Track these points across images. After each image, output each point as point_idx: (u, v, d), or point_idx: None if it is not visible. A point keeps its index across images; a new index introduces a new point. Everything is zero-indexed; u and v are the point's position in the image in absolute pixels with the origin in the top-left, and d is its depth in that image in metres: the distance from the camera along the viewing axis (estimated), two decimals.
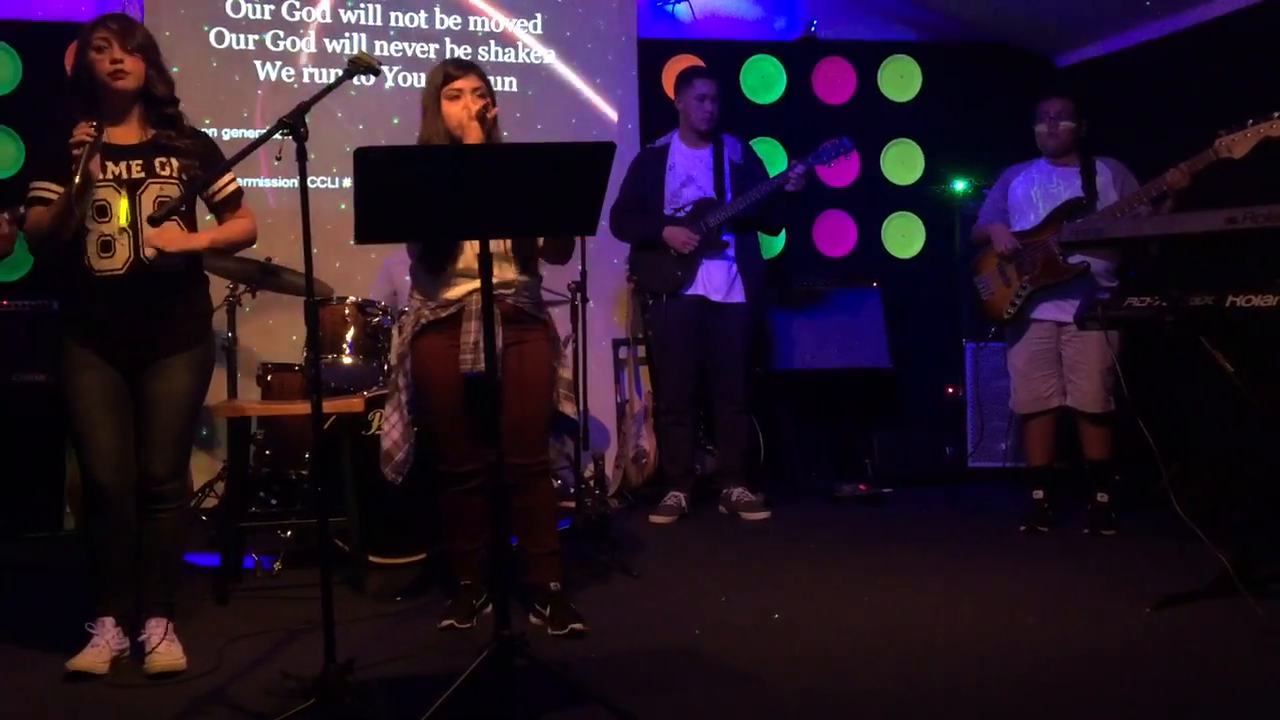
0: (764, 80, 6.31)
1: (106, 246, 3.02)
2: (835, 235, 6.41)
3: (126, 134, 3.07)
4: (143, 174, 3.04)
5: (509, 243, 3.35)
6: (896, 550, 4.40)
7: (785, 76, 6.32)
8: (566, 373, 3.56)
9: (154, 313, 3.06)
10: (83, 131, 2.89)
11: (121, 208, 3.02)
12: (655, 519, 5.01)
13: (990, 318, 4.87)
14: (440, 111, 3.38)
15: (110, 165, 3.02)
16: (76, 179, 2.86)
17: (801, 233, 6.29)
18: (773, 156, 6.01)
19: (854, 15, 6.37)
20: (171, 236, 3.02)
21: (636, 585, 3.95)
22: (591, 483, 5.13)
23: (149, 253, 3.01)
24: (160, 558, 3.19)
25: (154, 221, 2.90)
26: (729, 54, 6.21)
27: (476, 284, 3.27)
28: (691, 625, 3.46)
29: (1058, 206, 4.62)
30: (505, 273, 3.37)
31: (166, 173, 3.06)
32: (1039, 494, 4.75)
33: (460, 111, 3.33)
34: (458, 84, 3.36)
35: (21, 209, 2.98)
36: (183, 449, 3.19)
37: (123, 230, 3.02)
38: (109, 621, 3.13)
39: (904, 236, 6.46)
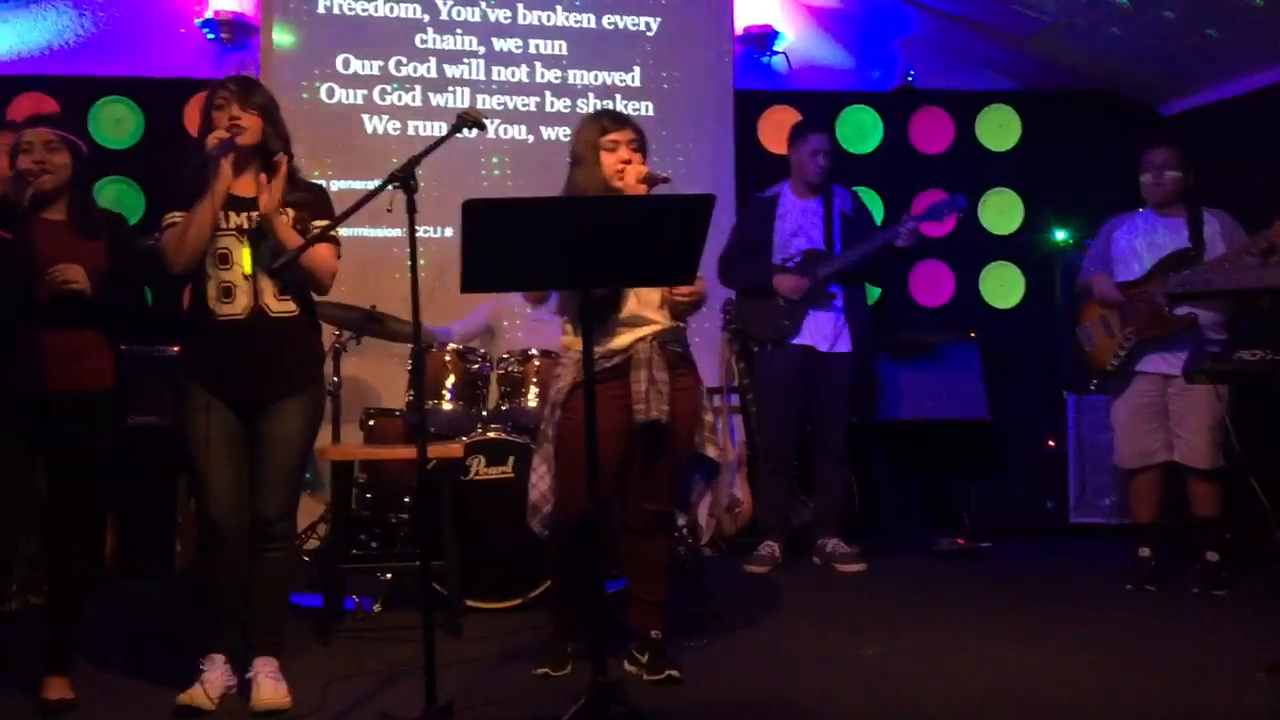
0: (860, 130, 6.33)
1: (228, 293, 3.15)
2: (932, 284, 6.37)
3: (245, 187, 3.20)
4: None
5: (663, 292, 3.39)
6: (997, 606, 4.31)
7: (882, 126, 6.32)
8: (710, 416, 3.58)
9: (271, 357, 3.17)
10: (216, 135, 3.08)
11: (244, 256, 3.15)
12: (749, 569, 4.99)
13: (1093, 369, 4.78)
14: (599, 161, 3.41)
15: (232, 215, 3.16)
16: (215, 178, 3.05)
17: (898, 282, 6.26)
18: (869, 207, 6.00)
19: (951, 64, 6.36)
20: (274, 199, 3.10)
21: (730, 635, 3.93)
22: (685, 531, 5.12)
23: (263, 202, 3.10)
24: (269, 596, 3.27)
25: (273, 273, 3.02)
26: (825, 104, 6.23)
27: (641, 332, 3.38)
28: (786, 676, 3.43)
29: (1164, 257, 4.53)
30: (664, 320, 3.42)
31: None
32: (1145, 551, 4.62)
33: (616, 162, 3.38)
34: (614, 135, 3.41)
35: (162, 249, 3.14)
36: (293, 490, 3.28)
37: (245, 278, 3.15)
38: (219, 658, 3.21)
39: (1002, 286, 6.38)
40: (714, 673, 3.49)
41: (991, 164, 6.38)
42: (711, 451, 3.54)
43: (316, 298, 3.35)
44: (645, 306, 3.41)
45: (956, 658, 3.61)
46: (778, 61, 6.25)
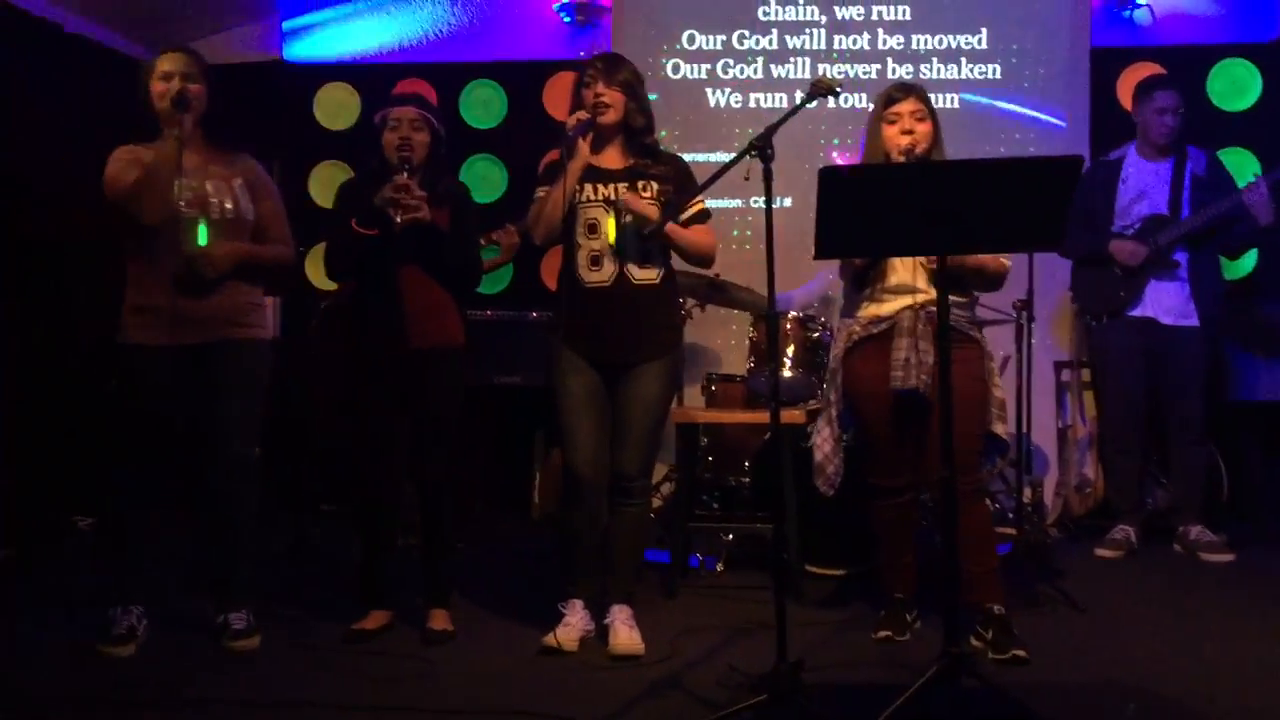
0: (1235, 85, 5.80)
1: (596, 261, 3.35)
2: None
3: (610, 159, 3.40)
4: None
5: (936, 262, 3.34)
6: None
7: (1260, 81, 5.77)
8: (1000, 393, 3.50)
9: (634, 322, 3.35)
10: (576, 116, 3.29)
11: (610, 226, 3.34)
12: (1101, 552, 4.74)
13: None
14: (881, 134, 3.46)
15: (600, 187, 3.35)
16: (571, 157, 3.26)
17: (1272, 249, 5.71)
18: (1245, 169, 5.49)
19: None
20: (652, 213, 3.28)
21: (1081, 619, 3.77)
22: (1030, 509, 4.95)
23: (630, 202, 3.30)
24: (626, 548, 3.46)
25: (643, 236, 3.20)
26: (1194, 59, 5.76)
27: (907, 300, 3.40)
28: (1142, 666, 3.26)
29: None
30: (935, 291, 3.37)
31: (647, 195, 3.35)
32: None
33: (896, 134, 3.42)
34: (897, 108, 3.44)
35: (527, 222, 3.41)
36: (651, 449, 3.44)
37: (610, 247, 3.34)
38: (579, 604, 3.43)
39: None
40: (1062, 655, 3.37)
41: None
42: (999, 429, 3.45)
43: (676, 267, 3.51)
44: (916, 276, 3.39)
45: None
46: (1141, 15, 5.82)
